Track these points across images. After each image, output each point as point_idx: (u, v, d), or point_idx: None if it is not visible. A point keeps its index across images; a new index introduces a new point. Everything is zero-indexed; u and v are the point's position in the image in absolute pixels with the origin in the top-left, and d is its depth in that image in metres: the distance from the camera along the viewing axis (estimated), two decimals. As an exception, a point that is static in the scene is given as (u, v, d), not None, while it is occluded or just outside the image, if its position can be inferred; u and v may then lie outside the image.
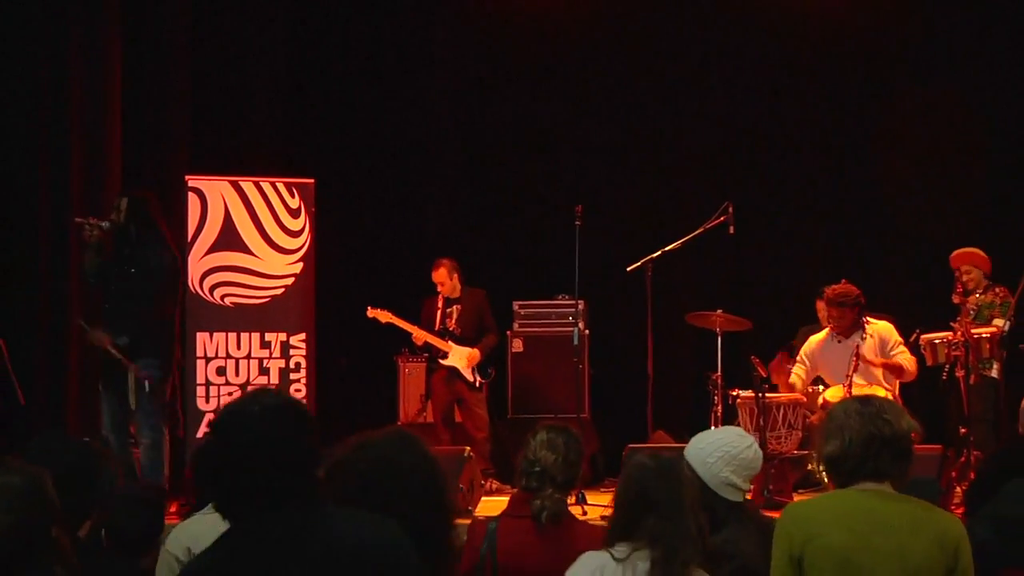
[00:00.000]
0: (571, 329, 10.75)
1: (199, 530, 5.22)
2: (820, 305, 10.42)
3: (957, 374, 9.53)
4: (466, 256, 11.42)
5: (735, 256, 12.01)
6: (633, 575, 4.18)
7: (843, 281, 9.72)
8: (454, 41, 12.66)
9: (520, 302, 11.83)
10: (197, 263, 10.46)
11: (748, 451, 4.78)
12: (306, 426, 3.23)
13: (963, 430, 9.31)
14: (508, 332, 11.65)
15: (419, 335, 10.88)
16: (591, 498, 8.63)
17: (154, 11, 11.33)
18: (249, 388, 10.48)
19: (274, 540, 3.09)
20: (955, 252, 10.31)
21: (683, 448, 4.89)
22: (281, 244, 10.70)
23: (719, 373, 9.73)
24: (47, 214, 10.65)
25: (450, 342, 10.89)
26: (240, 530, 3.15)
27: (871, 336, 9.59)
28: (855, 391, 9.02)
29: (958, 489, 8.57)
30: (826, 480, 4.24)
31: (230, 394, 10.47)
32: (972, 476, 8.25)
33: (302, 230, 10.75)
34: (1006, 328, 9.70)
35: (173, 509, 8.52)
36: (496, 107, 12.59)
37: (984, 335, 9.60)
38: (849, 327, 9.64)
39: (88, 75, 10.77)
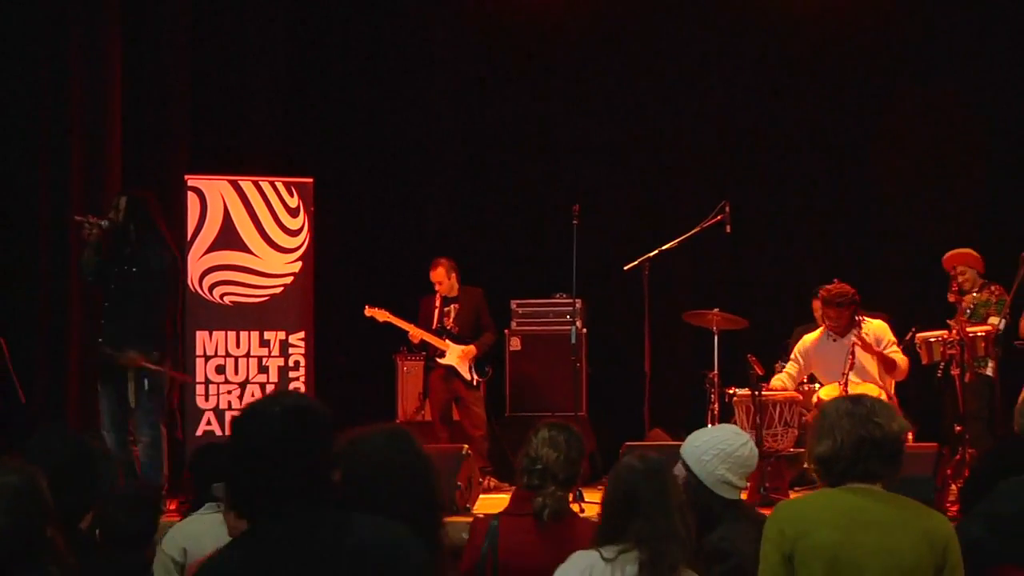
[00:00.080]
0: (568, 328, 10.77)
1: (196, 530, 5.25)
2: (816, 304, 10.45)
3: (952, 372, 9.54)
4: (464, 255, 11.44)
5: (732, 255, 12.04)
6: (623, 575, 4.22)
7: (835, 281, 9.74)
8: (453, 41, 12.67)
9: (518, 301, 11.86)
10: (196, 262, 10.48)
11: (743, 449, 4.81)
12: (325, 430, 3.21)
13: (958, 428, 9.31)
14: (506, 331, 11.68)
15: (415, 333, 10.91)
16: (588, 496, 8.65)
17: (154, 11, 11.35)
18: (248, 386, 10.53)
19: (289, 542, 3.09)
20: (948, 254, 10.35)
21: (680, 446, 4.94)
22: (280, 243, 10.72)
23: (716, 371, 9.74)
24: (47, 214, 10.68)
25: (448, 341, 10.92)
26: (256, 531, 3.14)
27: (866, 335, 9.61)
28: (851, 389, 9.06)
29: (953, 487, 8.56)
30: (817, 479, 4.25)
31: (229, 392, 10.52)
32: (967, 474, 8.25)
33: (301, 229, 10.77)
34: (1001, 326, 9.71)
35: (172, 507, 8.58)
36: (494, 107, 12.61)
37: (979, 334, 9.61)
38: (845, 326, 9.66)
39: (88, 75, 10.79)
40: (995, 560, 4.56)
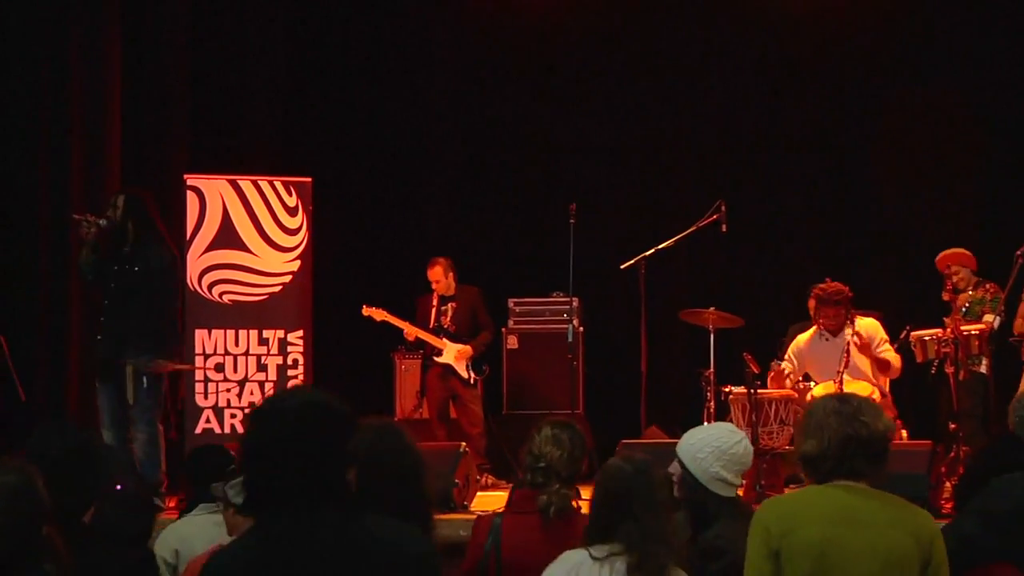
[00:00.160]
0: (565, 326, 10.83)
1: (187, 532, 5.27)
2: (813, 303, 10.47)
3: (947, 370, 9.57)
4: (462, 254, 11.46)
5: (728, 254, 12.07)
6: (610, 575, 4.25)
7: (827, 280, 9.77)
8: (451, 41, 12.69)
9: (515, 299, 11.89)
10: (196, 261, 10.51)
11: (738, 446, 4.84)
12: (341, 427, 3.16)
13: (952, 426, 9.32)
14: (503, 329, 11.71)
15: (411, 331, 10.94)
16: (585, 493, 8.68)
17: (154, 11, 11.36)
18: (247, 384, 10.58)
19: (296, 539, 3.04)
20: (941, 254, 10.39)
21: (676, 444, 4.98)
22: (279, 242, 10.75)
23: (712, 370, 9.76)
24: (47, 214, 10.70)
25: (445, 339, 10.96)
26: (263, 527, 3.09)
27: (858, 333, 9.64)
28: (845, 387, 9.09)
29: (947, 484, 8.59)
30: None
31: (228, 390, 10.56)
32: (961, 471, 8.30)
33: (300, 228, 10.81)
34: (996, 324, 9.75)
35: (171, 504, 8.60)
36: (491, 106, 12.62)
37: (973, 332, 9.65)
38: (841, 324, 9.69)
39: (88, 75, 10.81)
40: (989, 557, 4.55)
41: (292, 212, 10.79)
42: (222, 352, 10.59)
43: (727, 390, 9.53)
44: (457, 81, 12.74)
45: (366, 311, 10.85)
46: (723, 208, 10.23)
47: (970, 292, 10.27)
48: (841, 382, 9.18)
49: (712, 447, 4.81)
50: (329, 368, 11.37)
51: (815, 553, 3.99)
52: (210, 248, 10.59)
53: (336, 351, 11.68)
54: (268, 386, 10.55)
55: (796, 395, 9.49)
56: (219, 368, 10.59)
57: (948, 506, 8.06)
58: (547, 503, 4.99)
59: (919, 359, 9.87)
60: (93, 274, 8.96)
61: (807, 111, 12.35)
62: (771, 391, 9.48)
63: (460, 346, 10.95)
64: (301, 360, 10.71)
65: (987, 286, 10.26)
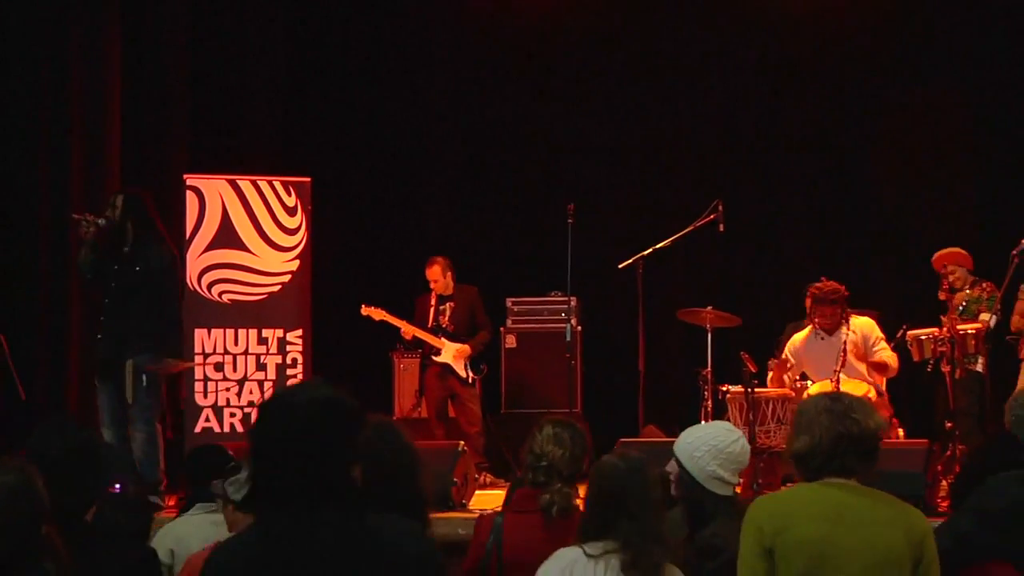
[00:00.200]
0: (563, 325, 10.84)
1: (184, 531, 5.29)
2: (809, 302, 10.49)
3: (943, 369, 9.58)
4: (460, 253, 11.47)
5: (725, 254, 12.10)
6: (605, 572, 4.27)
7: (823, 279, 9.79)
8: (451, 41, 12.70)
9: (513, 299, 11.90)
10: (195, 260, 10.53)
11: (735, 445, 4.87)
12: (349, 423, 3.09)
13: (949, 424, 9.32)
14: (501, 328, 11.72)
15: (409, 330, 10.96)
16: (582, 491, 8.70)
17: (154, 11, 11.38)
18: (247, 383, 10.60)
19: (298, 537, 3.00)
20: (937, 254, 10.42)
21: (673, 443, 5.00)
22: (278, 242, 10.77)
23: (709, 369, 9.78)
24: (47, 214, 10.72)
25: (443, 339, 10.98)
26: (264, 525, 3.06)
27: (854, 332, 9.60)
28: (842, 386, 9.11)
29: (944, 483, 8.60)
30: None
31: (227, 389, 10.58)
32: (957, 470, 8.32)
33: (299, 228, 10.83)
34: (992, 323, 9.76)
35: (171, 503, 8.62)
36: (491, 106, 12.63)
37: (970, 331, 9.66)
38: (837, 323, 9.71)
39: (88, 75, 10.83)
40: (985, 555, 4.57)
41: (291, 212, 10.81)
42: (221, 351, 10.61)
43: (724, 389, 9.55)
44: (457, 81, 12.75)
45: (365, 310, 10.87)
46: (720, 208, 10.25)
47: (966, 291, 10.31)
48: (838, 381, 9.18)
49: (709, 446, 4.83)
50: (328, 367, 11.36)
51: (810, 551, 4.00)
52: (209, 248, 10.61)
53: (335, 350, 11.68)
54: (267, 385, 10.57)
55: (793, 394, 9.51)
56: (218, 367, 10.61)
57: (944, 504, 8.09)
58: (549, 502, 4.98)
59: (915, 358, 9.89)
60: (92, 273, 8.97)
61: (806, 111, 12.37)
62: (768, 390, 9.51)
63: (458, 345, 10.97)
64: (300, 359, 10.74)
65: (983, 285, 10.29)
